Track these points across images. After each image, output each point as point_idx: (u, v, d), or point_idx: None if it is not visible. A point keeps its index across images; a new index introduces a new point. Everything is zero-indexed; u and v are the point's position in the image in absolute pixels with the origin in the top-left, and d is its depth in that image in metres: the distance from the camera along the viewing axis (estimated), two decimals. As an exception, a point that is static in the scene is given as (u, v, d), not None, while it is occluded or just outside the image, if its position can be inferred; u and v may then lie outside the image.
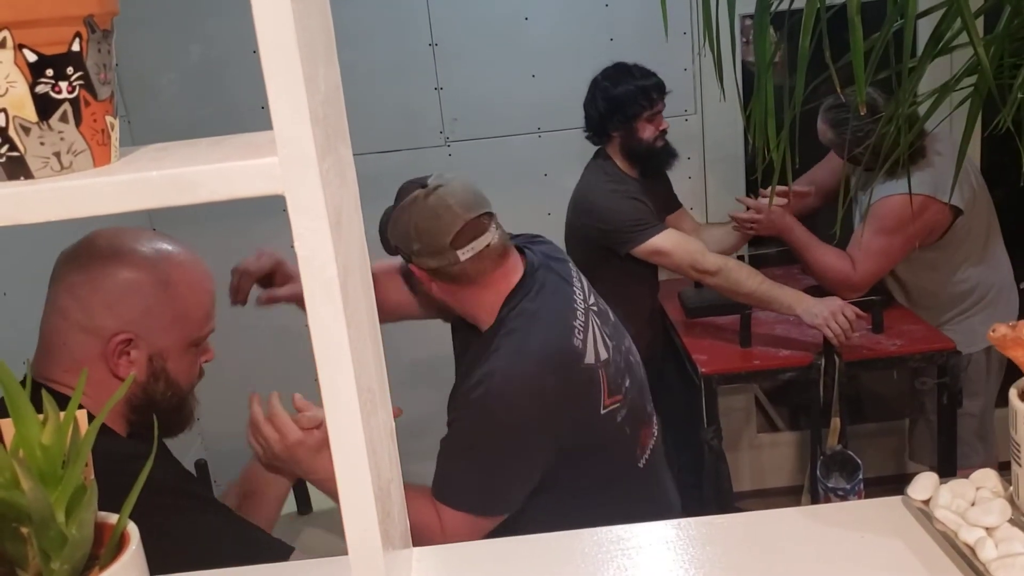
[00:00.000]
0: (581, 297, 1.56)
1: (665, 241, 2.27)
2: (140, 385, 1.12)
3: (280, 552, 1.17)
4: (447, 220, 1.42)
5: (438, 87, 2.77)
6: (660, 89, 2.34)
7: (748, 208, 2.42)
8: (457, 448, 1.43)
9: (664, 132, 2.37)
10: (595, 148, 2.45)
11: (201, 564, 1.01)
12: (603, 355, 1.49)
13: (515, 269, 1.51)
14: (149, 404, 1.14)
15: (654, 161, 2.39)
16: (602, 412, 1.47)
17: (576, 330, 1.47)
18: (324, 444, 1.25)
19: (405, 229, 1.46)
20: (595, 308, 1.58)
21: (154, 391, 1.14)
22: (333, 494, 1.28)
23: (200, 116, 2.72)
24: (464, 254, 1.43)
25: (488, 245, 1.45)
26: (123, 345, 1.09)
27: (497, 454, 1.40)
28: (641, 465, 1.57)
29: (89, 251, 1.11)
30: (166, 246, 1.14)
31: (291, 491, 1.40)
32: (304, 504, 1.71)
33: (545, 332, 1.45)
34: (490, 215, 1.48)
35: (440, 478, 1.43)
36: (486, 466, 1.41)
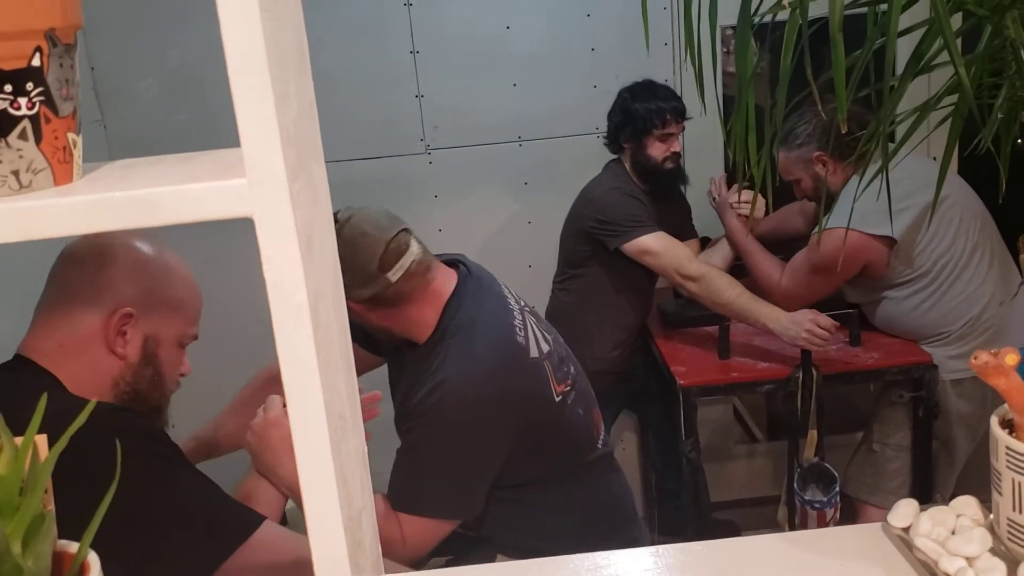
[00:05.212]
0: (514, 299, 1.60)
1: (655, 242, 2.32)
2: (131, 367, 1.13)
3: (244, 524, 1.08)
4: (367, 246, 1.43)
5: (419, 95, 2.75)
6: (677, 113, 2.39)
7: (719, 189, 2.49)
8: (415, 455, 1.44)
9: (677, 156, 2.42)
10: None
11: (169, 515, 1.04)
12: (544, 348, 1.54)
13: (448, 279, 1.54)
14: (134, 394, 1.14)
15: (661, 181, 2.44)
16: (556, 400, 1.52)
17: (516, 328, 1.51)
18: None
19: None
20: (528, 308, 1.62)
21: (142, 377, 1.14)
22: (299, 501, 1.25)
23: (177, 122, 2.68)
24: (394, 275, 1.44)
25: (414, 261, 1.47)
26: (123, 320, 1.11)
27: (454, 458, 1.43)
28: (599, 446, 1.62)
29: (100, 239, 1.14)
30: (166, 249, 1.20)
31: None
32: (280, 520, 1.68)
33: (488, 333, 1.48)
34: (407, 231, 1.49)
35: (398, 487, 1.44)
36: (445, 470, 1.43)
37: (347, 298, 1.44)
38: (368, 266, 1.43)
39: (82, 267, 1.13)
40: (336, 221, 1.46)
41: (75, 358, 1.11)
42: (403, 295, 1.47)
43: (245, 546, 1.06)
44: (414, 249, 1.47)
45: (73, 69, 0.59)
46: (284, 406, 1.25)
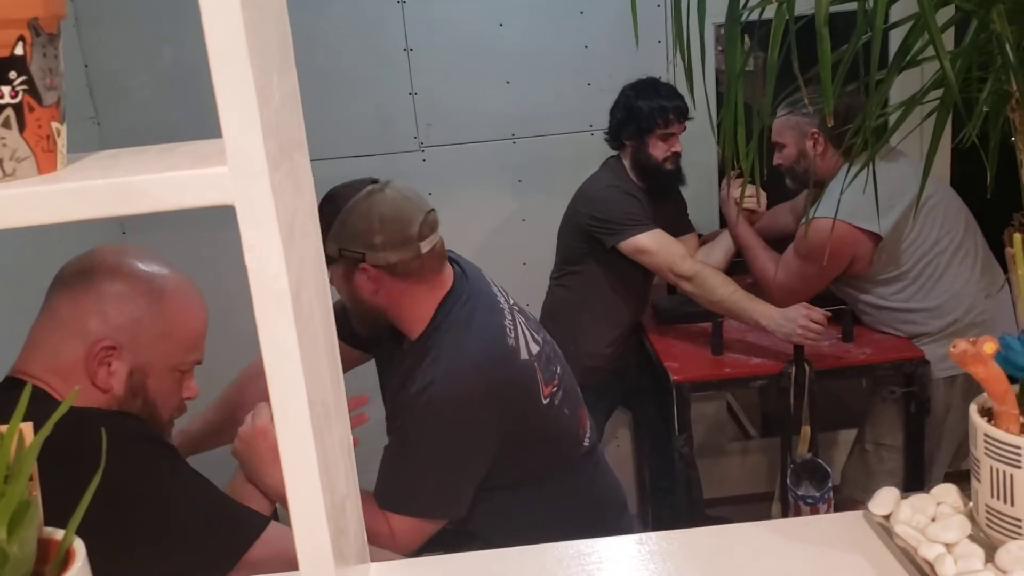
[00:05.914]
0: (503, 299, 1.60)
1: (650, 240, 2.33)
2: (116, 399, 1.09)
3: (252, 523, 1.10)
4: (411, 210, 1.44)
5: (413, 92, 2.75)
6: (679, 112, 2.39)
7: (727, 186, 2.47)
8: (402, 453, 1.44)
9: (677, 156, 2.42)
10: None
11: (168, 516, 1.04)
12: (534, 349, 1.54)
13: (450, 274, 1.54)
14: None
15: (659, 180, 2.45)
16: (543, 403, 1.51)
17: (508, 330, 1.51)
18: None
19: (366, 222, 1.43)
20: (517, 307, 1.62)
21: (130, 407, 1.11)
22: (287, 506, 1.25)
23: (172, 119, 2.68)
24: (425, 246, 1.45)
25: (440, 241, 1.49)
26: (105, 352, 1.07)
27: (443, 458, 1.42)
28: (586, 444, 1.62)
29: (92, 261, 1.11)
30: (166, 269, 1.14)
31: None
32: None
33: (480, 335, 1.48)
34: (434, 211, 1.50)
35: (386, 485, 1.44)
36: (432, 470, 1.43)
37: (369, 260, 1.43)
38: (407, 230, 1.42)
39: (69, 291, 1.09)
40: (374, 182, 1.47)
41: (62, 382, 1.07)
42: (423, 272, 1.46)
43: (253, 548, 1.06)
44: (438, 231, 1.49)
45: (57, 59, 0.59)
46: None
